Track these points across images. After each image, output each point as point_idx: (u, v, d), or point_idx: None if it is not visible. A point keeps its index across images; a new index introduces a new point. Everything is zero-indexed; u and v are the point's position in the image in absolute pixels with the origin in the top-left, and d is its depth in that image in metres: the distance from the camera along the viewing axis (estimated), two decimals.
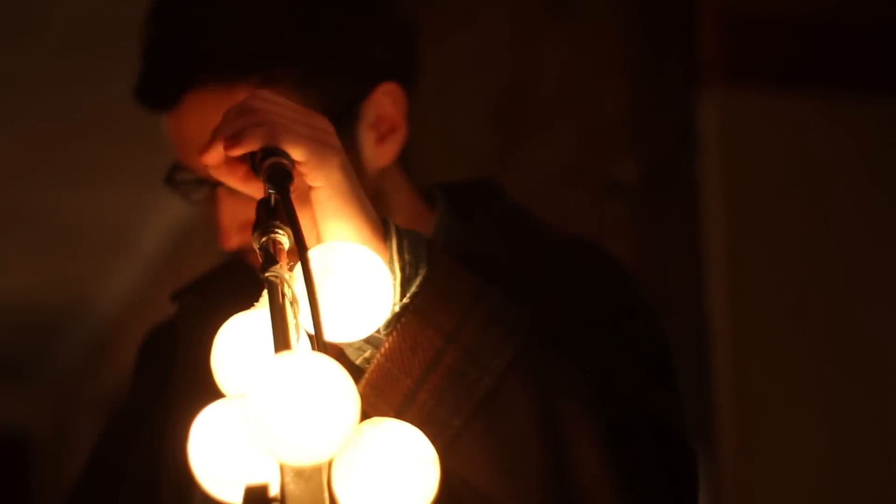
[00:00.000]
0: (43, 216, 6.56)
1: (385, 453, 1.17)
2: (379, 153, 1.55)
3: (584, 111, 3.68)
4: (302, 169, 1.28)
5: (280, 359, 1.10)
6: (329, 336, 1.25)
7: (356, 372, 1.34)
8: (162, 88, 1.55)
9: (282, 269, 1.20)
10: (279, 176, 1.24)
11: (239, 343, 1.26)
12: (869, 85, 3.26)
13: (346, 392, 1.09)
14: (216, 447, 1.22)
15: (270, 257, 1.20)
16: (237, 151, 1.25)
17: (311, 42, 1.53)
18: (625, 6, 3.52)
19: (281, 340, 1.15)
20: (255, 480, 1.18)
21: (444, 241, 1.46)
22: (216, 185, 1.48)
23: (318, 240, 1.34)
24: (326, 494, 1.13)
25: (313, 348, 1.18)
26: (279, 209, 1.23)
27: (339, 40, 1.55)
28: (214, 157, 1.27)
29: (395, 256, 1.34)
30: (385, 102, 1.56)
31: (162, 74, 1.56)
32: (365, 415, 1.30)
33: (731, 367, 3.06)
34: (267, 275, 1.20)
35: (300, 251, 1.14)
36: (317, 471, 1.12)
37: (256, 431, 1.08)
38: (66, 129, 5.79)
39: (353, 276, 1.26)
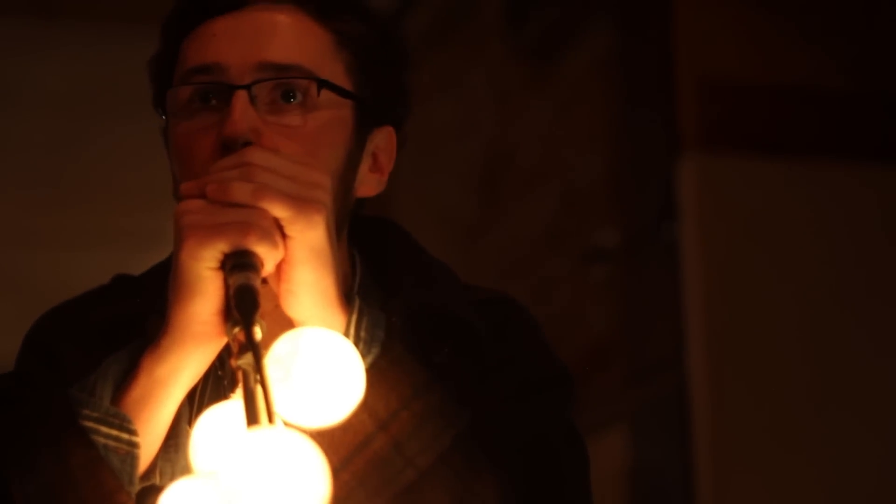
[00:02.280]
0: (35, 278, 6.55)
1: None
2: (367, 180, 1.56)
3: (565, 177, 3.70)
4: (282, 222, 1.33)
5: (252, 434, 1.11)
6: (301, 421, 1.27)
7: None
8: None
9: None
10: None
11: (215, 430, 1.28)
12: (846, 151, 3.29)
13: (316, 467, 1.10)
14: None
15: (243, 347, 1.22)
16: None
17: (375, 39, 1.56)
18: (605, 73, 3.55)
19: (253, 422, 1.16)
20: None
21: (407, 321, 1.46)
22: (240, 88, 1.43)
23: (279, 280, 1.37)
24: None
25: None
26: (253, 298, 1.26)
27: (392, 61, 1.57)
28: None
29: (352, 332, 1.38)
30: (388, 141, 1.57)
31: None
32: None
33: (711, 428, 3.07)
34: (240, 362, 1.22)
35: (256, 359, 1.17)
36: None
37: None
38: (59, 193, 5.80)
39: (321, 360, 1.28)
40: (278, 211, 1.33)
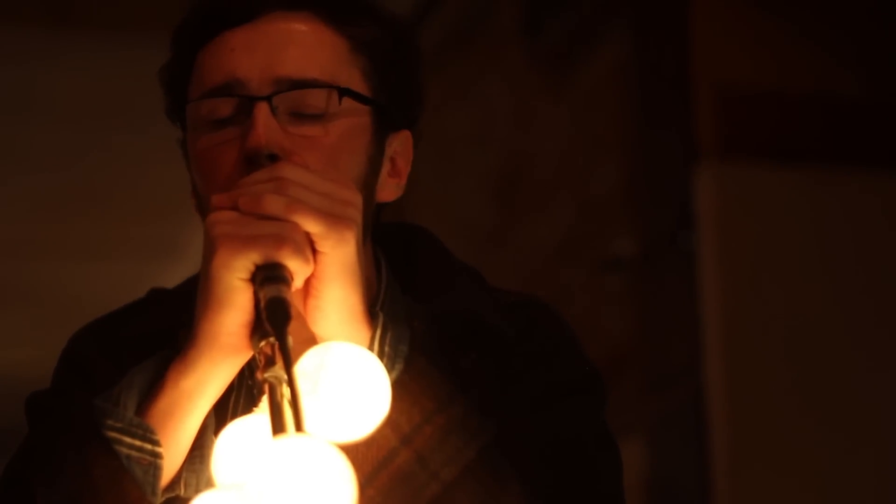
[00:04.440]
0: (43, 289, 6.57)
1: None
2: (387, 185, 1.55)
3: (582, 186, 3.70)
4: (314, 238, 1.33)
5: (279, 441, 1.11)
6: (328, 435, 1.27)
7: None
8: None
9: (280, 370, 1.22)
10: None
11: (239, 443, 1.28)
12: (863, 159, 3.28)
13: (343, 474, 1.09)
14: None
15: (269, 360, 1.22)
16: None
17: (388, 44, 1.55)
18: (622, 82, 3.55)
19: (279, 434, 1.16)
20: None
21: (432, 326, 1.46)
22: (261, 99, 1.43)
23: (307, 295, 1.37)
24: None
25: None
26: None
27: (407, 64, 1.56)
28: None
29: (376, 347, 1.37)
30: (405, 145, 1.57)
31: None
32: None
33: (728, 438, 3.07)
34: (266, 376, 1.22)
35: (287, 369, 1.17)
36: None
37: None
38: (66, 204, 5.81)
39: (348, 374, 1.27)
40: (311, 226, 1.33)
